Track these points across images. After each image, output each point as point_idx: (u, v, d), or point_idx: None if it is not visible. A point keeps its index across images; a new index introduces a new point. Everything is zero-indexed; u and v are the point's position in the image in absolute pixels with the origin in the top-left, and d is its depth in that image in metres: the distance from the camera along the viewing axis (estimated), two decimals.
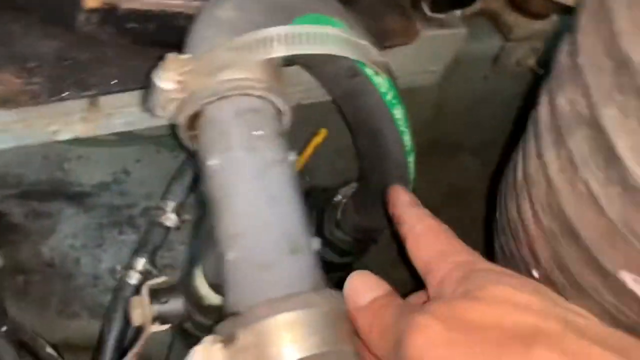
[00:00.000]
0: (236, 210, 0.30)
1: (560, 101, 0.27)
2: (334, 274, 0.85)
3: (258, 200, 0.30)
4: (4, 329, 0.52)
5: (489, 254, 0.46)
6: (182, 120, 0.34)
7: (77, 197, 0.84)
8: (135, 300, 0.40)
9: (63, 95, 0.50)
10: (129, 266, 0.70)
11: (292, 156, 0.33)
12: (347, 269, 0.85)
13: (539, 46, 0.77)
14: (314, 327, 0.27)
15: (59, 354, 0.74)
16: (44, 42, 0.51)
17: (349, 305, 0.32)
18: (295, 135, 0.80)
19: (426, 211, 0.37)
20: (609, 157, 0.23)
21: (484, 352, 0.26)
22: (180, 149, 0.79)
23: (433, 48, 0.66)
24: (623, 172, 0.23)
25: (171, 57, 0.32)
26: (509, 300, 0.28)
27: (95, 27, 0.49)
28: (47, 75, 0.50)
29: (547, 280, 0.31)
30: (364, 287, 0.33)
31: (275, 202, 0.30)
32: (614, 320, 0.28)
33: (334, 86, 0.53)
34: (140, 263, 0.70)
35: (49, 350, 0.55)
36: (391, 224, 0.76)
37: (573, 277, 0.28)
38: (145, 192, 0.86)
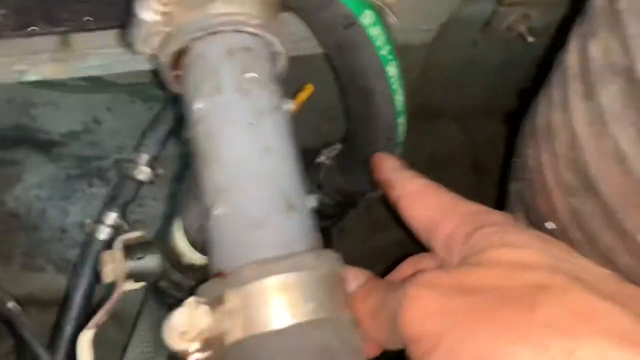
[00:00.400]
0: (225, 160, 0.27)
1: (592, 49, 0.24)
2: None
3: (250, 150, 0.27)
4: None
5: None
6: (165, 57, 0.30)
7: (45, 146, 0.79)
8: (107, 255, 0.37)
9: (30, 29, 0.45)
10: (98, 220, 0.67)
11: (287, 105, 0.30)
12: (325, 233, 0.83)
13: (532, 13, 0.75)
14: (309, 292, 0.24)
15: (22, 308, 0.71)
16: None
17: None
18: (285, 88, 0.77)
19: (415, 172, 0.35)
20: None
21: (485, 314, 0.25)
22: (155, 100, 0.76)
23: (429, 5, 0.63)
24: None
25: None
26: (511, 262, 0.26)
27: None
28: (13, 5, 0.45)
29: (562, 234, 0.29)
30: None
31: (270, 153, 0.27)
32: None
33: (327, 36, 0.49)
34: (111, 217, 0.66)
35: (10, 305, 0.51)
36: (378, 190, 0.74)
37: (590, 235, 0.26)
38: (117, 144, 0.82)
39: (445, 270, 0.28)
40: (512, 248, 0.27)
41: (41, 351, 0.54)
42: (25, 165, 0.79)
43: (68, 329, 0.60)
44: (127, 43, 0.30)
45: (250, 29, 0.29)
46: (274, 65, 0.31)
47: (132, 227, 0.68)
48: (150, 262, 0.37)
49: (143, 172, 0.64)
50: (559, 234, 0.30)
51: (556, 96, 0.27)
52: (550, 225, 0.30)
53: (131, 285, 0.38)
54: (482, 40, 0.80)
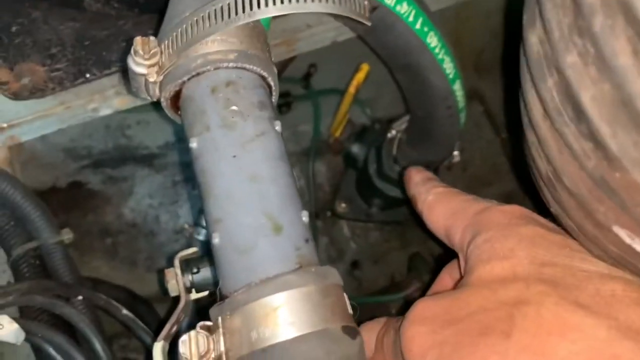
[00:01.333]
0: (217, 193, 0.29)
1: (531, 39, 0.23)
2: (399, 209, 0.84)
3: (236, 181, 0.29)
4: (79, 298, 0.56)
5: None
6: (165, 102, 0.33)
7: (147, 159, 0.87)
8: (168, 272, 0.42)
9: (87, 77, 0.51)
10: (196, 223, 0.73)
11: (277, 126, 0.32)
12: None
13: None
14: (294, 309, 0.26)
15: (150, 306, 0.80)
16: (65, 26, 0.52)
17: None
18: (343, 71, 0.78)
19: (437, 182, 0.37)
20: (576, 109, 0.20)
21: (469, 344, 0.26)
22: None
23: None
24: (590, 126, 0.19)
25: (138, 40, 0.31)
26: (493, 278, 0.27)
27: (101, 5, 0.49)
28: (69, 58, 0.51)
29: (559, 222, 0.29)
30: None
31: (255, 180, 0.29)
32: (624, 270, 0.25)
33: (355, 23, 0.49)
34: None
35: (125, 312, 0.59)
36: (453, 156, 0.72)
37: (576, 225, 0.25)
38: None
39: (436, 300, 0.29)
40: (497, 261, 0.28)
41: None
42: (135, 179, 0.87)
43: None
44: (133, 93, 0.34)
45: (229, 64, 0.31)
46: (262, 90, 0.32)
47: None
48: (205, 273, 0.42)
49: None
50: (558, 220, 0.29)
51: (521, 83, 0.26)
52: (552, 210, 0.29)
53: (196, 296, 0.43)
54: None
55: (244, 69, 0.32)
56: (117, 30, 0.51)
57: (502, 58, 0.86)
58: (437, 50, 0.56)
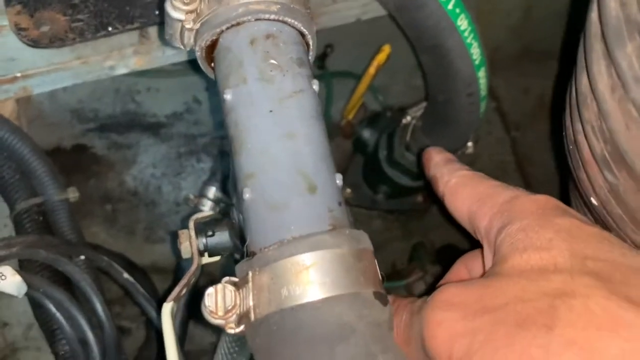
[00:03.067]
0: (251, 148, 0.28)
1: (610, 4, 0.22)
2: (407, 198, 0.83)
3: (272, 136, 0.28)
4: (82, 257, 0.54)
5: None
6: (199, 51, 0.32)
7: (153, 128, 0.86)
8: (182, 234, 0.41)
9: (109, 30, 0.49)
10: (201, 194, 0.72)
11: (315, 85, 0.31)
12: (421, 192, 0.82)
13: None
14: (326, 270, 0.25)
15: (146, 276, 0.79)
16: None
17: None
18: (359, 53, 0.76)
19: (460, 164, 0.35)
20: None
21: (506, 334, 0.25)
22: None
23: None
24: None
25: None
26: (531, 269, 0.26)
27: None
28: (91, 10, 0.49)
29: (603, 210, 0.27)
30: None
31: (291, 137, 0.28)
32: None
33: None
34: (211, 191, 0.71)
35: (126, 276, 0.58)
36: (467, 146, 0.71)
37: (628, 210, 0.24)
38: (218, 120, 0.86)
39: (467, 287, 0.28)
40: (534, 251, 0.27)
41: (154, 314, 0.60)
42: (139, 147, 0.86)
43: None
44: (166, 42, 0.33)
45: (271, 16, 0.30)
46: (301, 46, 0.31)
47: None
48: (221, 238, 0.41)
49: None
50: (601, 210, 0.28)
51: (581, 61, 0.25)
52: (594, 200, 0.28)
53: (208, 260, 0.42)
54: None
55: (285, 22, 0.31)
56: None
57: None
58: (466, 34, 0.55)
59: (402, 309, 0.29)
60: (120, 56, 0.56)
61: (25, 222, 0.58)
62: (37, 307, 0.53)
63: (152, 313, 0.60)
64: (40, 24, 0.48)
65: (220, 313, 0.25)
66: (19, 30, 0.48)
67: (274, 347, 0.25)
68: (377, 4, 0.58)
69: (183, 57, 0.59)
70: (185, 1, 0.30)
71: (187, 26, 0.31)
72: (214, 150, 0.89)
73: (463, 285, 0.28)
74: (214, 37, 0.31)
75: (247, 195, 0.28)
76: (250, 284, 0.25)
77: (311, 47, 0.32)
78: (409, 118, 0.71)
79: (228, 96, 0.30)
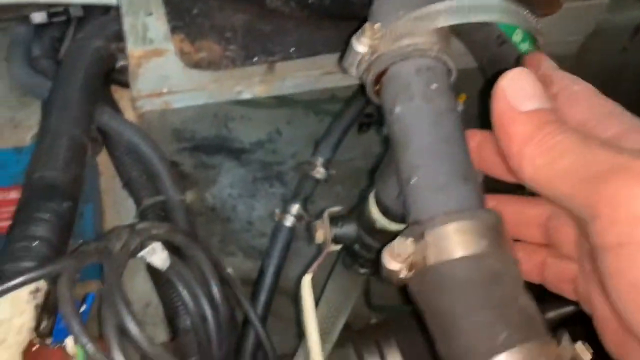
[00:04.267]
0: (417, 147, 0.38)
1: None
2: None
3: (434, 139, 0.38)
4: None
5: None
6: (370, 77, 0.42)
7: (237, 153, 0.96)
8: (318, 223, 0.50)
9: (254, 60, 0.60)
10: (285, 211, 0.82)
11: (459, 107, 0.41)
12: None
13: None
14: (482, 234, 0.35)
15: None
16: (237, 16, 0.62)
17: (503, 103, 0.31)
18: None
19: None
20: None
21: None
22: (325, 114, 0.89)
23: (574, 18, 0.69)
24: None
25: (367, 26, 0.40)
26: None
27: (281, 3, 0.59)
28: (239, 43, 0.61)
29: None
30: (526, 92, 0.30)
31: (449, 141, 0.38)
32: None
33: (482, 53, 0.59)
34: (295, 208, 0.81)
35: (229, 270, 0.67)
36: None
37: None
38: (293, 151, 0.97)
39: None
40: None
41: (249, 308, 0.68)
42: (222, 169, 0.96)
43: (262, 296, 0.75)
44: (342, 68, 0.43)
45: (432, 53, 0.40)
46: (449, 78, 0.42)
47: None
48: (348, 229, 0.50)
49: (320, 172, 0.77)
50: None
51: None
52: None
53: (333, 247, 0.51)
54: (631, 47, 0.83)
55: (441, 60, 0.41)
56: (282, 26, 0.61)
57: None
58: None
59: (566, 131, 0.27)
60: (249, 83, 0.67)
61: (149, 217, 0.68)
62: (164, 285, 0.62)
63: (247, 306, 0.69)
64: (200, 50, 0.59)
65: (403, 257, 0.34)
66: (182, 54, 0.59)
67: (437, 289, 0.34)
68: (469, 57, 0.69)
69: (296, 90, 0.70)
70: (370, 39, 0.41)
71: (365, 58, 0.42)
72: (287, 177, 0.99)
73: None
74: (386, 67, 0.42)
75: (412, 181, 0.38)
76: (423, 240, 0.35)
77: (452, 78, 0.43)
78: None
79: (397, 109, 0.40)
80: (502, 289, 0.33)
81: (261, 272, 0.78)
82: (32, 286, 0.46)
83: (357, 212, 0.50)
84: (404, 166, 0.39)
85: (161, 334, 0.66)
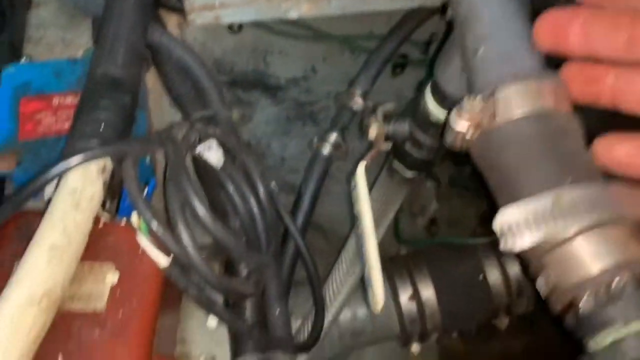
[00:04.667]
0: (485, 20, 0.40)
1: None
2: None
3: (503, 12, 0.40)
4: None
5: None
6: None
7: (272, 89, 0.98)
8: (371, 119, 0.52)
9: None
10: (323, 139, 0.83)
11: None
12: None
13: None
14: (548, 94, 0.36)
15: None
16: None
17: None
18: None
19: None
20: None
21: None
22: (361, 51, 0.90)
23: None
24: None
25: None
26: None
27: None
28: None
29: None
30: None
31: (515, 15, 0.40)
32: None
33: None
34: (332, 137, 0.82)
35: (272, 184, 0.68)
36: None
37: None
38: (327, 91, 0.99)
39: None
40: None
41: (290, 221, 0.70)
42: (257, 106, 0.98)
43: (300, 218, 0.77)
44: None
45: None
46: None
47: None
48: (401, 126, 0.52)
49: (357, 103, 0.79)
50: None
51: None
52: None
53: (384, 145, 0.53)
54: None
55: None
56: None
57: None
58: None
59: None
60: (296, 1, 0.68)
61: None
62: (214, 188, 0.64)
63: (288, 218, 0.70)
64: None
65: (469, 116, 0.36)
66: None
67: (505, 146, 0.36)
68: None
69: (342, 11, 0.71)
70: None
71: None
72: (320, 117, 1.01)
73: None
74: None
75: (480, 51, 0.39)
76: (492, 98, 0.37)
77: None
78: None
79: None
80: (568, 144, 0.35)
81: (298, 196, 0.80)
82: (100, 163, 0.48)
83: (410, 108, 0.52)
84: (472, 39, 0.40)
85: (209, 239, 0.68)
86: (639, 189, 0.33)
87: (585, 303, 0.31)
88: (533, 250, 0.32)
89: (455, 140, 0.37)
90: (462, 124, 0.36)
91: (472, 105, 0.36)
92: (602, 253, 0.31)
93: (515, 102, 0.36)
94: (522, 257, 0.34)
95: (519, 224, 0.31)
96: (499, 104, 0.36)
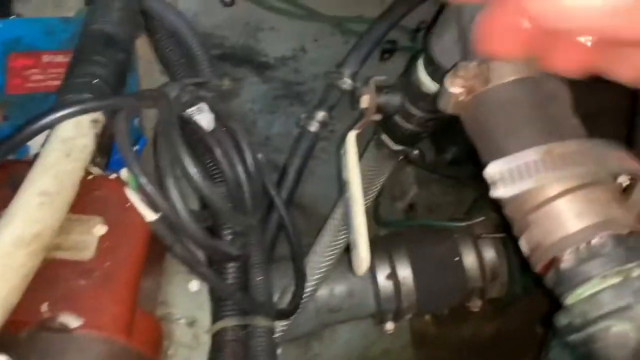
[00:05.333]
0: None
1: None
2: (466, 166, 0.95)
3: None
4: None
5: None
6: None
7: (260, 67, 0.98)
8: (364, 89, 0.53)
9: None
10: (310, 116, 0.84)
11: None
12: None
13: None
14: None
15: None
16: None
17: None
18: None
19: None
20: None
21: None
22: (351, 34, 0.91)
23: None
24: None
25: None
26: None
27: None
28: None
29: None
30: None
31: None
32: None
33: None
34: (320, 115, 0.83)
35: (259, 156, 0.69)
36: None
37: None
38: (315, 72, 0.99)
39: None
40: None
41: (274, 192, 0.71)
42: (245, 82, 0.98)
43: (284, 192, 0.77)
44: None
45: None
46: None
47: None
48: (393, 97, 0.53)
49: (346, 83, 0.79)
50: None
51: None
52: None
53: (374, 117, 0.54)
54: None
55: None
56: None
57: None
58: None
59: None
60: None
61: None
62: (201, 153, 0.64)
63: (272, 190, 0.71)
64: None
65: (463, 80, 0.37)
66: None
67: (496, 109, 0.37)
68: None
69: None
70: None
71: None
72: (306, 98, 1.01)
73: None
74: None
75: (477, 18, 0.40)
76: (486, 63, 0.38)
77: None
78: None
79: None
80: (557, 107, 0.36)
81: (283, 171, 0.81)
82: (92, 115, 0.48)
83: (402, 81, 0.53)
84: (469, 6, 0.41)
85: (194, 203, 0.69)
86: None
87: (566, 260, 0.32)
88: (519, 207, 0.33)
89: (448, 104, 0.38)
90: (455, 87, 0.37)
91: (467, 70, 0.37)
92: (584, 213, 0.33)
93: (508, 67, 0.37)
94: (507, 216, 0.35)
95: (511, 172, 0.32)
96: (493, 69, 0.37)
